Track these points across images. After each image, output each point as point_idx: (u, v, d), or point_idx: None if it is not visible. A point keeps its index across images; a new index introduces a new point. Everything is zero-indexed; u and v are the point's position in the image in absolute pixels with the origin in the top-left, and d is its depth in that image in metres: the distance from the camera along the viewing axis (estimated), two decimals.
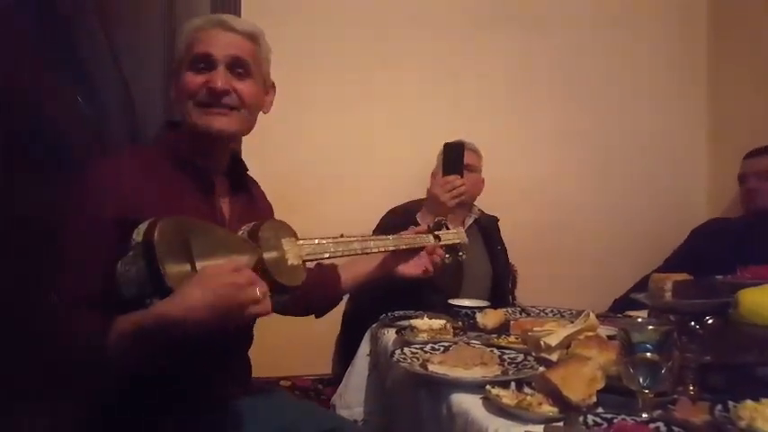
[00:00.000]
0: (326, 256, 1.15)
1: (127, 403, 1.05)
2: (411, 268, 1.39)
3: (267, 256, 1.00)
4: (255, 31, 1.17)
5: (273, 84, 1.24)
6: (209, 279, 0.87)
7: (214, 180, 1.17)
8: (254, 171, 1.34)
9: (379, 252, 1.33)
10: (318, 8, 2.29)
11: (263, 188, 1.40)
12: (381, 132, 2.35)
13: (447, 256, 1.42)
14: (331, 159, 2.30)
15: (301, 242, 1.10)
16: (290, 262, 1.04)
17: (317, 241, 1.13)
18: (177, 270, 0.89)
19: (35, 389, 1.49)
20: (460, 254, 1.46)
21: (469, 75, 2.43)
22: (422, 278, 1.39)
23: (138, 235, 0.90)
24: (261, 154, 1.99)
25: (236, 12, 2.09)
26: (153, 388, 1.05)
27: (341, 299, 1.46)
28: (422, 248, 1.40)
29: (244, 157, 1.28)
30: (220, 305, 0.86)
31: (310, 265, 1.40)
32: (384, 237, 1.34)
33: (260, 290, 0.90)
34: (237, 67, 1.13)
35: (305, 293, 1.35)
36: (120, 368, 0.93)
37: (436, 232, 1.43)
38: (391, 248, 1.34)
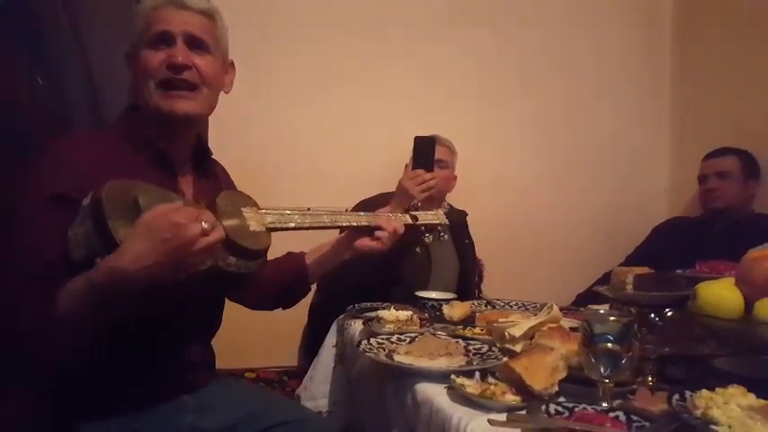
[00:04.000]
0: (292, 225, 1.13)
1: (87, 385, 1.04)
2: (366, 241, 1.31)
3: (227, 222, 0.98)
4: (210, 8, 1.16)
5: (233, 63, 1.23)
6: (150, 224, 0.86)
7: (175, 163, 1.15)
8: (223, 158, 1.32)
9: (350, 226, 1.29)
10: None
11: (232, 175, 1.38)
12: (355, 125, 2.34)
13: (427, 235, 1.40)
14: (303, 150, 2.28)
15: (264, 211, 1.08)
16: (251, 228, 1.02)
17: (280, 211, 1.11)
18: (127, 228, 0.87)
19: None
20: (442, 234, 1.44)
21: (443, 70, 2.44)
22: (375, 252, 1.30)
23: (86, 200, 0.90)
24: (231, 143, 1.96)
25: None
26: (113, 371, 1.04)
27: (309, 289, 1.42)
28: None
29: (215, 144, 1.26)
30: (167, 249, 0.85)
31: (279, 252, 1.38)
32: (357, 213, 1.32)
33: (205, 221, 0.88)
34: (196, 42, 1.12)
35: (271, 285, 1.34)
36: (76, 331, 0.90)
37: (412, 212, 1.41)
38: (363, 223, 1.29)
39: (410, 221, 1.37)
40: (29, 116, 1.85)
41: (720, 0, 2.46)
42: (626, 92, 2.68)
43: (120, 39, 1.95)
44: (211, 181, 1.24)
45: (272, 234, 1.10)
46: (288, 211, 1.12)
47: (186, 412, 1.14)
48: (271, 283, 1.33)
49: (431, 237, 1.41)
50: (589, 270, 2.26)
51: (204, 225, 0.87)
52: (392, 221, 1.30)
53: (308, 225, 1.17)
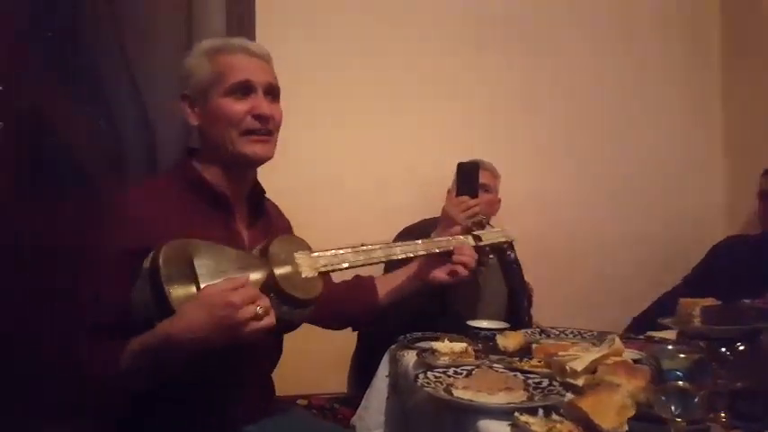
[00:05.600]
0: (345, 266, 1.13)
1: (153, 421, 1.07)
2: (442, 273, 1.31)
3: (278, 271, 1.00)
4: (269, 54, 1.21)
5: None
6: (207, 300, 0.90)
7: (235, 207, 1.19)
8: (264, 186, 1.35)
9: (406, 258, 1.27)
10: (329, 25, 2.30)
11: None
12: (393, 151, 2.36)
13: (491, 256, 1.36)
14: (344, 178, 2.30)
15: (316, 254, 1.09)
16: (304, 275, 1.04)
17: (333, 252, 1.11)
18: (182, 292, 0.91)
19: (54, 409, 1.51)
20: (509, 253, 1.40)
21: (484, 92, 2.44)
22: (452, 283, 1.30)
23: (146, 262, 0.93)
24: (272, 169, 2.00)
25: (251, 32, 2.10)
26: (178, 408, 1.06)
27: (379, 311, 1.43)
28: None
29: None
30: (219, 325, 0.89)
31: (347, 276, 1.39)
32: (412, 242, 1.28)
33: (260, 307, 0.91)
34: (271, 92, 1.17)
35: (341, 305, 1.36)
36: (135, 386, 0.95)
37: (476, 232, 1.36)
38: (421, 253, 1.27)
39: (473, 243, 1.33)
40: (92, 160, 1.94)
41: None
42: (674, 106, 2.64)
43: (174, 77, 2.04)
44: (264, 220, 1.27)
45: None
46: (341, 251, 1.12)
47: None
48: (341, 308, 1.37)
49: (494, 257, 1.36)
50: (642, 291, 2.21)
51: (258, 310, 0.91)
52: (465, 248, 1.28)
53: (361, 263, 1.17)
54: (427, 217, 2.03)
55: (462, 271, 1.28)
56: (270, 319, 0.93)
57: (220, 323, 0.89)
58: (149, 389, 0.97)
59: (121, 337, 0.96)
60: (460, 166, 1.80)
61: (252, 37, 2.07)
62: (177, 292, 0.90)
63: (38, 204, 1.87)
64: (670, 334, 1.42)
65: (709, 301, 1.07)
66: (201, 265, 0.93)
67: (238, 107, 1.12)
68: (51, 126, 1.90)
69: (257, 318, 0.91)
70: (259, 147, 1.15)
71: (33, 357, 1.77)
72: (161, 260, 0.91)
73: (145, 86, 2.01)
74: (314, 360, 2.12)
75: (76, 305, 1.04)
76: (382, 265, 1.79)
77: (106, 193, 1.16)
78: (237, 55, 1.16)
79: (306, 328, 1.38)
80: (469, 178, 1.78)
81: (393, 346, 1.62)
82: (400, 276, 1.41)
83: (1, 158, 1.84)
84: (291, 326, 1.09)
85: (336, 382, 2.26)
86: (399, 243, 1.26)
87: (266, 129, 1.15)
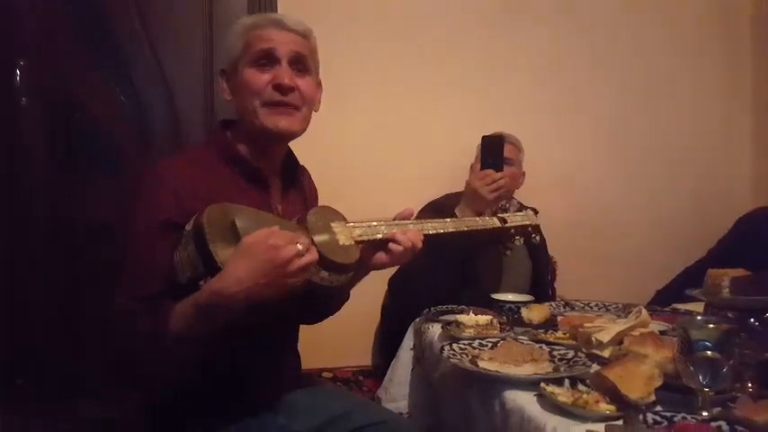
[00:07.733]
0: (379, 237, 1.12)
1: (191, 396, 1.07)
2: (382, 256, 1.13)
3: (318, 238, 1.01)
4: (307, 29, 1.18)
5: (320, 82, 1.24)
6: (250, 248, 0.91)
7: (269, 179, 1.19)
8: None
9: (436, 234, 1.21)
10: (354, 5, 2.27)
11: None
12: (417, 125, 2.33)
13: (517, 237, 1.37)
14: (366, 154, 2.28)
15: (351, 224, 1.10)
16: (341, 242, 1.05)
17: (367, 223, 1.12)
18: (227, 250, 0.92)
19: (104, 380, 1.55)
20: (533, 236, 1.40)
21: (506, 67, 2.39)
22: (386, 267, 1.17)
23: (188, 225, 0.95)
24: (297, 148, 2.01)
25: (273, 9, 2.09)
26: (213, 385, 1.08)
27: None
28: (483, 231, 1.30)
29: None
30: (265, 269, 0.89)
31: None
32: (442, 219, 1.26)
33: (300, 243, 0.92)
34: (298, 63, 1.15)
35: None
36: (184, 352, 0.95)
37: (501, 215, 1.37)
38: (450, 230, 1.25)
39: (498, 224, 1.33)
40: (113, 132, 1.98)
41: None
42: (704, 74, 2.57)
43: (195, 54, 2.05)
44: (297, 190, 1.28)
45: None
46: (374, 223, 1.13)
47: (279, 416, 1.19)
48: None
49: (522, 240, 1.37)
50: (666, 264, 2.20)
51: (299, 247, 0.92)
52: (409, 233, 1.13)
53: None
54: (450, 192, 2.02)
55: (397, 251, 1.12)
56: (312, 255, 0.94)
57: (265, 267, 0.89)
58: (196, 357, 0.96)
59: (166, 302, 0.97)
60: (485, 139, 1.79)
61: (273, 11, 2.06)
62: (222, 249, 0.92)
63: (70, 180, 1.91)
64: (695, 306, 1.41)
65: (739, 272, 1.06)
66: (242, 226, 0.95)
67: (261, 77, 1.11)
68: (77, 101, 1.94)
69: (299, 254, 0.91)
70: (281, 119, 1.12)
71: (83, 333, 1.83)
72: (205, 221, 0.92)
73: (165, 61, 2.02)
74: (337, 333, 2.15)
75: (121, 278, 1.04)
76: None
77: (135, 167, 1.15)
78: (268, 28, 1.14)
79: None
80: (494, 151, 1.76)
81: (418, 319, 1.65)
82: None
83: (27, 133, 1.87)
84: (329, 292, 1.08)
85: (360, 354, 2.28)
86: (431, 220, 1.24)
87: (289, 100, 1.13)
